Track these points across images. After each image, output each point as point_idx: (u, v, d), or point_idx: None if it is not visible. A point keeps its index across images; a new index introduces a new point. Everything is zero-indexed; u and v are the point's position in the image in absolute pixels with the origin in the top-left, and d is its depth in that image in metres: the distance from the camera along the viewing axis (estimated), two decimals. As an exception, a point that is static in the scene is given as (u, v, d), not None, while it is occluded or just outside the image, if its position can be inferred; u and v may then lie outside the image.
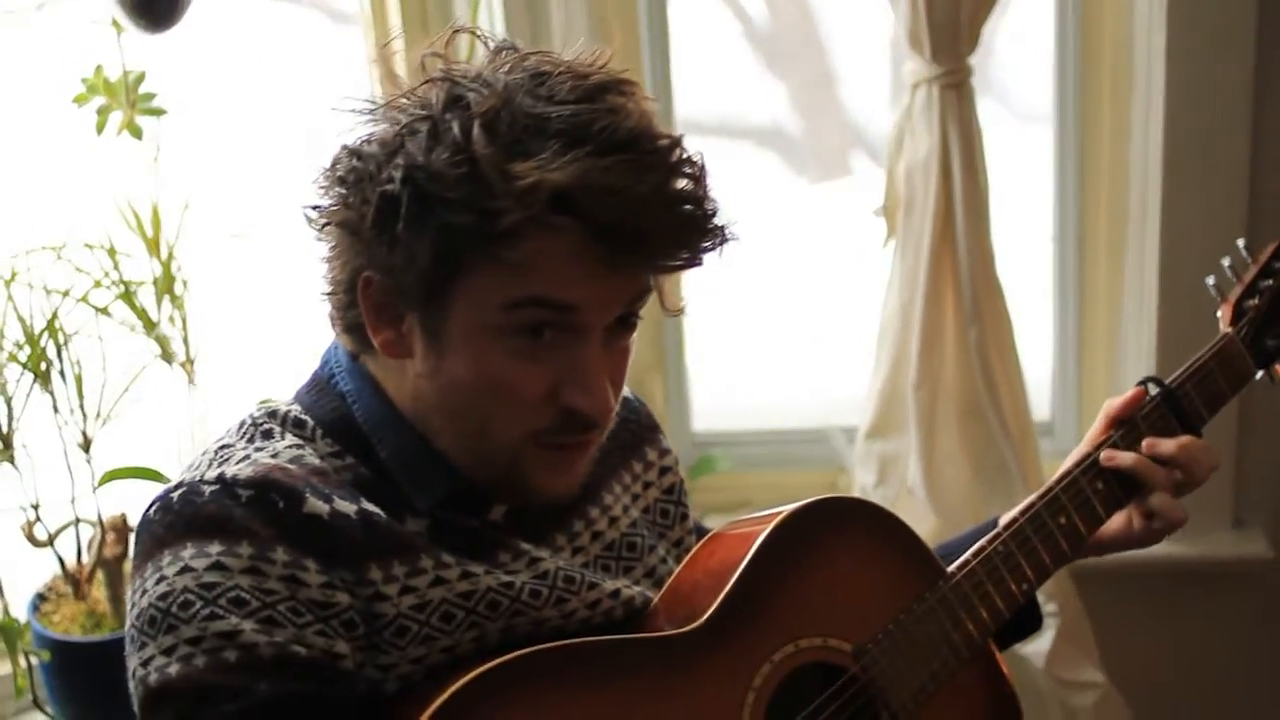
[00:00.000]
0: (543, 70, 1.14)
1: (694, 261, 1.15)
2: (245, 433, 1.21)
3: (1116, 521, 1.45)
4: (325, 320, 1.25)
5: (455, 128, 1.10)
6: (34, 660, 1.96)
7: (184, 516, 1.12)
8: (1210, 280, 1.58)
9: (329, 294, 1.21)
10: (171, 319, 2.04)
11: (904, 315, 2.27)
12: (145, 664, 1.10)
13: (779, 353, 2.73)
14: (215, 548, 1.10)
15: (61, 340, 1.93)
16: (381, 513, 1.16)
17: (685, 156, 1.14)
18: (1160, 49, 2.17)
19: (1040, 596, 1.45)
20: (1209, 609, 2.46)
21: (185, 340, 2.05)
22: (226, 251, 2.08)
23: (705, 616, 1.22)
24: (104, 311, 1.98)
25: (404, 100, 1.15)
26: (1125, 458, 1.43)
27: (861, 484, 2.37)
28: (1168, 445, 1.44)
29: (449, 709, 1.09)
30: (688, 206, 1.13)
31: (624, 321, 1.18)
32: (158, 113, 1.98)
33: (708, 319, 2.55)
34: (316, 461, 1.18)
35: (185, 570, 1.10)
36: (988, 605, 1.36)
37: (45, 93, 2.05)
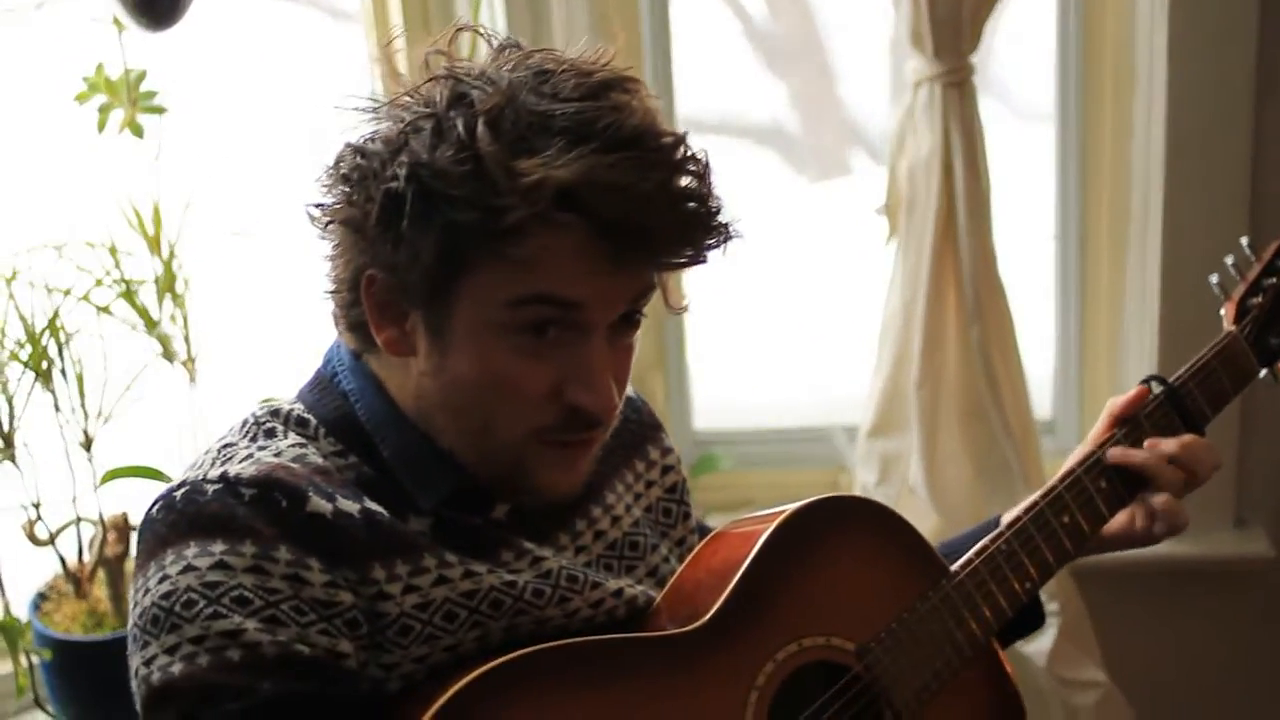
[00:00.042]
0: (547, 68, 1.14)
1: (698, 258, 1.15)
2: (248, 431, 1.21)
3: (1119, 520, 1.45)
4: (328, 319, 1.25)
5: (459, 125, 1.10)
6: (35, 659, 1.96)
7: (187, 515, 1.12)
8: (1214, 278, 1.58)
9: (332, 292, 1.21)
10: (173, 318, 2.04)
11: (906, 314, 2.27)
12: (148, 663, 1.10)
13: (780, 351, 2.73)
14: (218, 547, 1.10)
15: (63, 339, 1.93)
16: (384, 512, 1.16)
17: (689, 154, 1.13)
18: (1162, 47, 2.17)
19: (1042, 595, 1.45)
20: (1211, 608, 2.45)
21: (186, 339, 2.05)
22: (228, 250, 2.08)
23: (708, 615, 1.22)
24: (105, 310, 1.98)
25: (408, 98, 1.15)
26: (1137, 454, 1.42)
27: (863, 483, 2.37)
28: (1170, 444, 1.44)
29: (452, 708, 1.09)
30: (692, 203, 1.12)
31: (628, 319, 1.18)
32: (159, 111, 1.98)
33: (709, 318, 2.55)
34: (319, 460, 1.17)
35: (188, 569, 1.10)
36: (991, 604, 1.36)
37: (46, 91, 2.04)
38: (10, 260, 1.92)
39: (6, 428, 1.92)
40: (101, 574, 2.05)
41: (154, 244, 2.01)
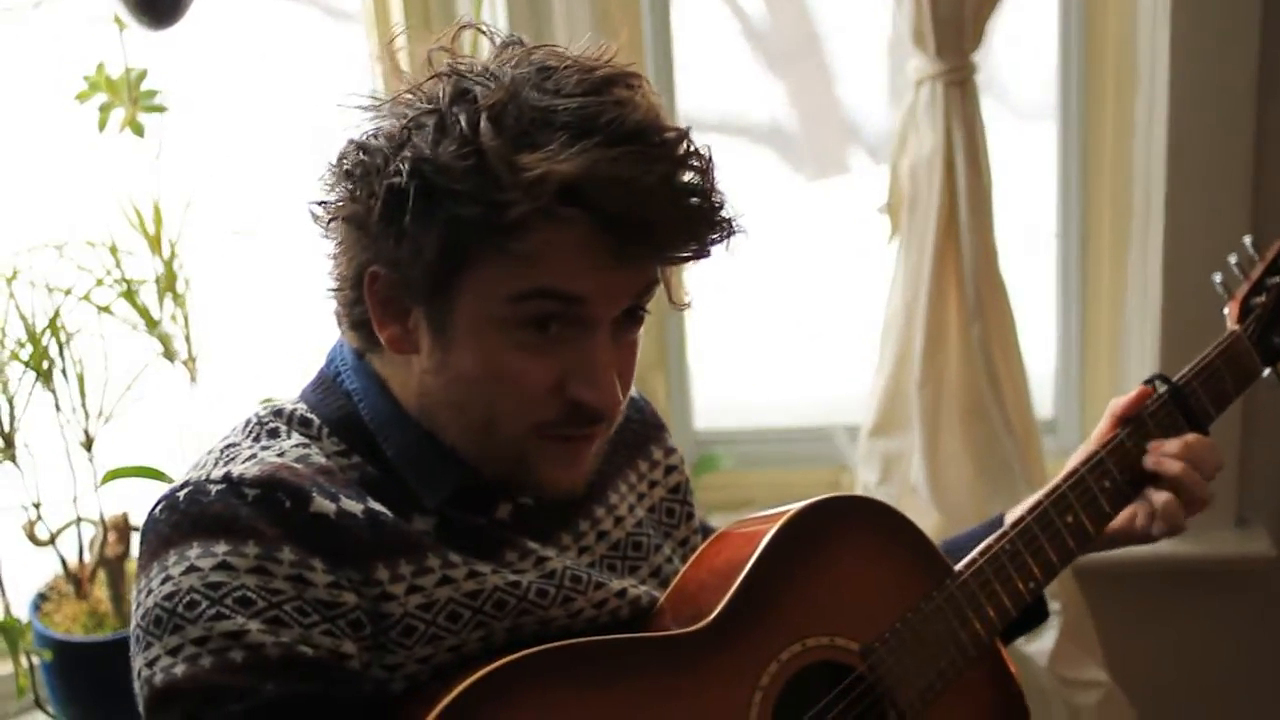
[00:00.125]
0: (549, 64, 1.13)
1: (702, 253, 1.15)
2: (251, 431, 1.20)
3: (1120, 517, 1.45)
4: (330, 317, 1.24)
5: (462, 121, 1.10)
6: (35, 660, 1.95)
7: (190, 516, 1.12)
8: (1218, 277, 1.57)
9: (335, 290, 1.21)
10: (174, 317, 2.04)
11: (908, 313, 2.27)
12: (151, 664, 1.10)
13: (781, 351, 2.73)
14: (221, 547, 1.10)
15: (63, 339, 1.93)
16: (388, 512, 1.15)
17: (692, 149, 1.13)
18: (1164, 45, 2.17)
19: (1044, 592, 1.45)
20: (1212, 608, 2.45)
21: (187, 338, 2.05)
22: (229, 249, 2.08)
23: (712, 616, 1.22)
24: (106, 310, 1.97)
25: (410, 95, 1.15)
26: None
27: (864, 482, 2.37)
28: (1174, 444, 1.44)
29: (455, 709, 1.08)
30: (695, 198, 1.12)
31: (631, 315, 1.18)
32: (159, 110, 1.97)
33: (710, 317, 2.55)
34: (323, 460, 1.17)
35: (191, 570, 1.09)
36: (995, 604, 1.36)
37: (46, 90, 2.04)
38: (11, 260, 1.92)
39: (7, 428, 1.92)
40: (102, 574, 2.05)
41: (155, 243, 2.00)
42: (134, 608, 1.14)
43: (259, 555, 1.09)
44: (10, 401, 1.91)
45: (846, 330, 2.70)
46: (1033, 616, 1.46)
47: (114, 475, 1.96)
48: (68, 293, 1.94)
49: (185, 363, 2.05)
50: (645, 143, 1.10)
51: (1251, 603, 2.45)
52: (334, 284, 1.20)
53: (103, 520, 2.03)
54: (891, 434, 2.34)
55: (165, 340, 2.02)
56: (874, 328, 2.35)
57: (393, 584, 1.14)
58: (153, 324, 2.01)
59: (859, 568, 1.31)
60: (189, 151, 2.05)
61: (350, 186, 1.15)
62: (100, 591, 2.06)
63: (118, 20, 1.92)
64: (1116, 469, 1.43)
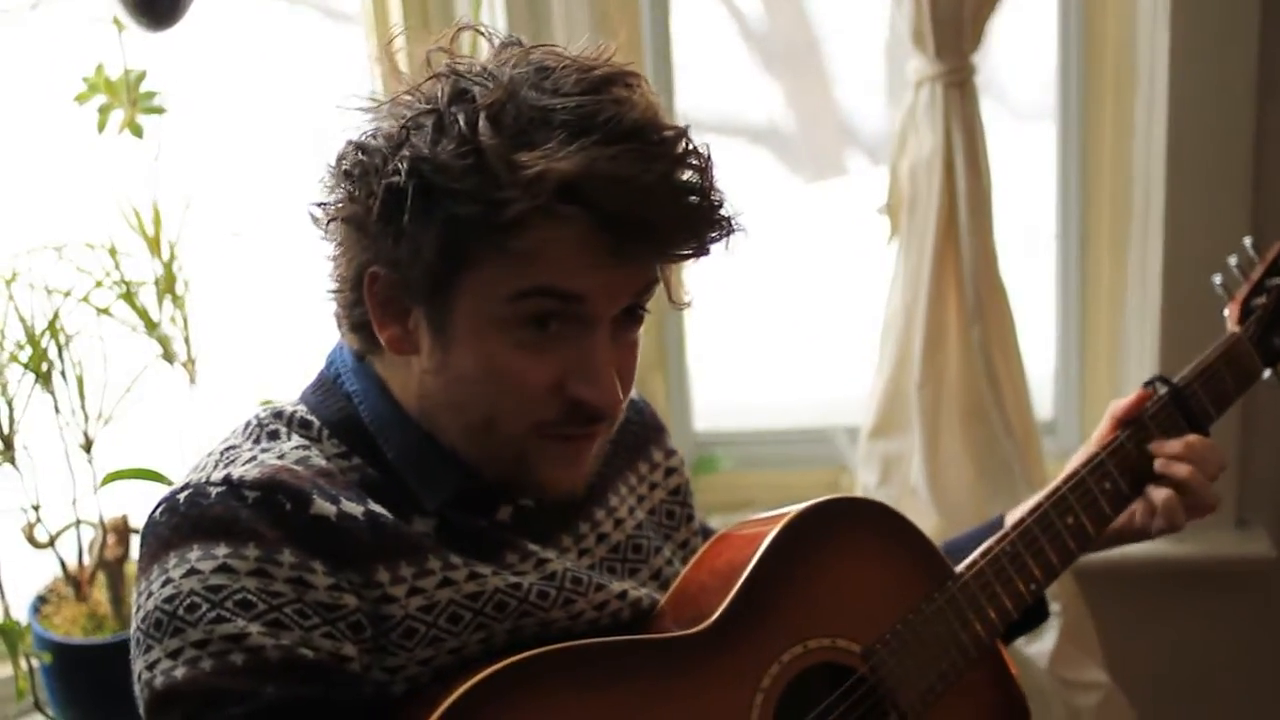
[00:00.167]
0: (547, 64, 1.14)
1: (701, 251, 1.15)
2: (251, 434, 1.20)
3: (1120, 516, 1.45)
4: (330, 319, 1.24)
5: (460, 120, 1.10)
6: (35, 662, 1.95)
7: (190, 518, 1.12)
8: (1218, 279, 1.57)
9: (335, 291, 1.21)
10: (173, 319, 2.03)
11: (907, 314, 2.27)
12: (151, 667, 1.10)
13: (781, 352, 2.73)
14: (221, 550, 1.09)
15: (62, 340, 1.92)
16: (388, 514, 1.15)
17: (691, 147, 1.14)
18: (1164, 47, 2.16)
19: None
20: (1212, 609, 2.45)
21: (187, 340, 2.04)
22: (228, 251, 2.08)
23: (713, 618, 1.22)
24: (105, 311, 1.97)
25: (408, 95, 1.15)
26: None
27: (864, 484, 2.37)
28: (1175, 444, 1.44)
29: (457, 711, 1.08)
30: (694, 196, 1.12)
31: (631, 314, 1.18)
32: (159, 111, 1.97)
33: (710, 318, 2.55)
34: (323, 462, 1.17)
35: (191, 572, 1.09)
36: (996, 606, 1.36)
37: (45, 92, 2.04)
38: (10, 261, 1.92)
39: (6, 430, 1.91)
40: (101, 576, 2.05)
41: (154, 245, 2.00)
42: (134, 610, 1.14)
43: (259, 558, 1.09)
44: (9, 403, 1.91)
45: (846, 331, 2.70)
46: (1033, 617, 1.46)
47: (113, 477, 1.95)
48: (67, 294, 1.93)
49: (185, 364, 2.05)
50: (644, 141, 1.10)
51: (1251, 603, 2.44)
52: (334, 285, 1.20)
53: (102, 522, 2.02)
54: (891, 435, 2.34)
55: (164, 342, 2.02)
56: (873, 329, 2.35)
57: (393, 586, 1.13)
58: (152, 326, 2.00)
59: (860, 569, 1.31)
60: (188, 153, 2.05)
61: (349, 187, 1.15)
62: (100, 594, 2.05)
63: (116, 21, 1.91)
64: (1117, 471, 1.43)
